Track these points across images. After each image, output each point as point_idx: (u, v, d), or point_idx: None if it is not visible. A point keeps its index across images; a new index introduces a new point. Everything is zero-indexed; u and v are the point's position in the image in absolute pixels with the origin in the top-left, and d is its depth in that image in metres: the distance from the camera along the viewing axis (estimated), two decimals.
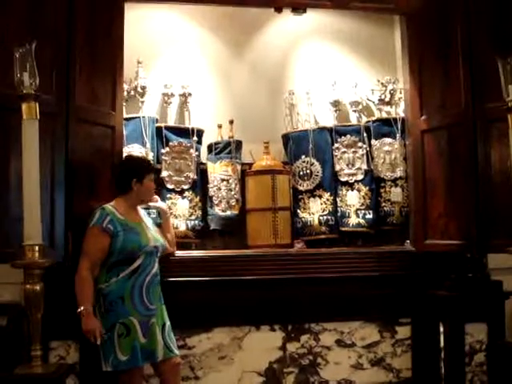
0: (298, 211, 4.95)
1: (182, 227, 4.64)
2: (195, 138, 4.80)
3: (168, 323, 3.63)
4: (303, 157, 4.98)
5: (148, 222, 3.77)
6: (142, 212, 3.80)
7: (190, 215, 4.72)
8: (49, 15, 3.66)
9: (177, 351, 3.64)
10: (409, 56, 4.64)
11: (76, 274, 3.40)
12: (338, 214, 4.94)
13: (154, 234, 3.69)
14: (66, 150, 3.67)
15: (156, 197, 4.06)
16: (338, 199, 4.98)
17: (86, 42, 3.86)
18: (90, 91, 3.91)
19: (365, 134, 5.04)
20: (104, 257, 3.45)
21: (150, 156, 4.61)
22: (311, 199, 4.95)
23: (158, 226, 3.96)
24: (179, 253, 4.16)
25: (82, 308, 3.33)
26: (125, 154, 4.40)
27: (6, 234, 3.38)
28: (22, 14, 3.58)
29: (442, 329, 4.27)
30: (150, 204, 4.05)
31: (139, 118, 4.64)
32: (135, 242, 3.51)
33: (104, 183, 3.88)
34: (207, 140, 4.95)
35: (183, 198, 4.72)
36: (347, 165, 4.99)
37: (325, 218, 4.89)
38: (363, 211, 4.91)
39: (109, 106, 4.05)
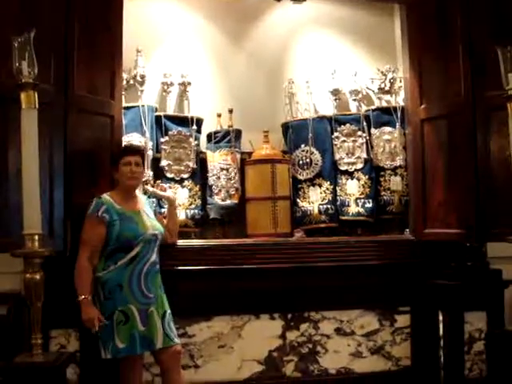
0: (298, 200, 4.96)
1: (182, 216, 4.64)
2: (194, 127, 4.79)
3: (168, 311, 3.62)
4: (303, 146, 4.98)
5: (149, 210, 3.76)
6: (143, 199, 3.80)
7: (190, 204, 4.72)
8: (47, 4, 3.65)
9: (177, 340, 3.62)
10: (409, 45, 4.63)
11: (76, 263, 3.43)
12: (338, 203, 4.95)
13: (153, 222, 3.68)
14: (65, 139, 3.67)
15: (163, 185, 4.16)
16: (337, 188, 4.98)
17: (85, 31, 3.84)
18: (89, 80, 3.90)
19: (364, 123, 5.03)
20: (102, 245, 3.47)
21: (150, 145, 4.60)
22: (311, 188, 4.96)
23: (160, 214, 3.99)
24: (179, 242, 4.16)
25: (81, 297, 3.36)
26: (124, 143, 4.41)
27: (6, 224, 3.38)
28: (20, 2, 3.57)
29: (441, 317, 4.29)
30: (159, 193, 4.11)
31: (138, 107, 4.63)
32: (132, 230, 3.51)
33: (103, 172, 3.87)
34: (206, 129, 4.94)
35: (183, 187, 4.72)
36: (347, 154, 4.99)
37: (324, 206, 4.90)
38: (363, 200, 4.91)
39: (108, 95, 4.04)
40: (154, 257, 3.61)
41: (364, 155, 4.98)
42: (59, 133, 3.64)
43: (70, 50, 3.74)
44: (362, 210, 4.91)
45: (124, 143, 4.26)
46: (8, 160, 3.44)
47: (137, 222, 3.57)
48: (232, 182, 4.81)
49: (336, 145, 5.00)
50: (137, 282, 3.49)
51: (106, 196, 3.56)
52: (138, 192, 3.85)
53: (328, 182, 4.96)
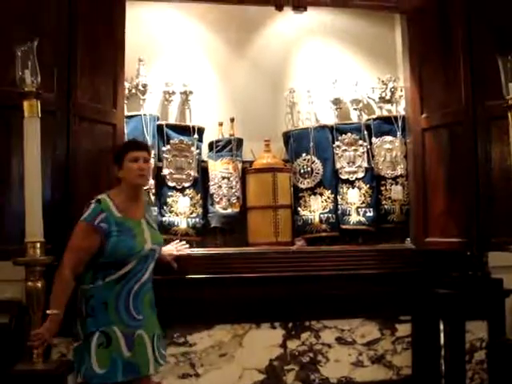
0: (299, 209, 4.96)
1: (183, 225, 4.65)
2: (196, 136, 4.81)
3: (159, 332, 3.37)
4: (304, 155, 4.98)
5: (150, 217, 3.51)
6: (146, 203, 3.54)
7: (191, 213, 4.72)
8: (50, 13, 3.68)
9: (164, 361, 3.42)
10: (409, 54, 4.65)
11: (57, 271, 3.12)
12: (339, 212, 4.95)
13: (153, 233, 3.41)
14: (68, 148, 3.67)
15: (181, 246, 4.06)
16: (338, 197, 4.98)
17: (87, 41, 3.87)
18: (91, 89, 3.92)
19: (365, 132, 5.04)
20: (90, 257, 3.16)
21: (151, 154, 4.61)
22: (312, 197, 4.96)
23: None
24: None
25: (52, 311, 3.05)
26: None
27: (8, 232, 3.39)
28: (23, 11, 3.59)
29: (442, 326, 4.28)
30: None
31: (140, 115, 4.65)
32: (129, 246, 3.20)
33: (105, 181, 3.86)
34: (208, 138, 4.95)
35: (184, 195, 4.72)
36: (348, 163, 4.99)
37: (325, 215, 4.90)
38: (364, 209, 4.91)
39: (110, 103, 4.07)
40: (147, 275, 3.32)
41: (365, 164, 4.99)
42: (61, 141, 3.65)
43: (73, 59, 3.76)
44: (362, 218, 4.91)
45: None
46: (10, 168, 3.45)
47: (135, 234, 3.26)
48: (233, 190, 4.82)
49: (337, 154, 5.01)
50: (124, 302, 3.20)
51: (105, 198, 3.25)
52: (143, 193, 3.57)
53: (329, 191, 4.96)
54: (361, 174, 4.97)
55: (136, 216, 3.35)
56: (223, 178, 4.81)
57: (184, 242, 4.20)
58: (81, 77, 3.81)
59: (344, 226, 4.94)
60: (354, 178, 4.97)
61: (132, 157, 3.31)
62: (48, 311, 3.05)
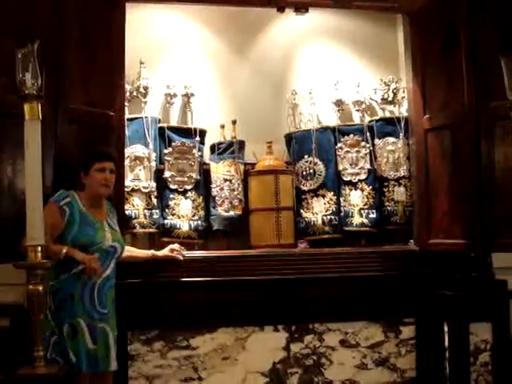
0: (302, 211, 4.94)
1: (185, 227, 4.64)
2: (198, 139, 4.80)
3: (116, 334, 3.42)
4: (306, 156, 4.97)
5: (113, 221, 3.55)
6: (108, 209, 3.56)
7: (193, 215, 4.71)
8: (39, 15, 3.62)
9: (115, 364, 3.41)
10: (412, 55, 4.64)
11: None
12: (342, 214, 4.93)
13: (114, 234, 3.47)
14: (55, 152, 3.60)
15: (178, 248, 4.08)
16: (341, 199, 4.97)
17: (83, 45, 3.84)
18: (87, 93, 3.87)
19: (368, 134, 5.03)
20: (57, 235, 3.21)
21: (153, 156, 4.61)
22: (314, 199, 4.95)
23: None
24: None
25: (64, 250, 3.16)
26: (127, 155, 4.41)
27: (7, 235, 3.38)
28: (14, 15, 3.55)
29: (446, 328, 4.26)
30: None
31: (142, 118, 4.65)
32: (89, 236, 3.29)
33: None
34: (210, 140, 4.95)
35: (186, 198, 4.72)
36: (350, 164, 4.98)
37: (328, 217, 4.88)
38: (367, 211, 4.90)
39: (108, 107, 4.01)
40: (109, 271, 3.38)
41: (368, 166, 4.98)
42: (49, 146, 3.51)
43: (64, 63, 3.71)
44: (365, 220, 4.90)
45: (127, 154, 4.25)
46: (2, 172, 3.40)
47: (97, 229, 3.36)
48: (235, 193, 4.81)
49: (339, 155, 5.00)
50: (90, 295, 3.28)
51: (73, 193, 3.36)
52: (105, 201, 3.56)
53: (332, 193, 4.95)
54: (363, 176, 4.96)
55: (98, 217, 3.43)
56: (225, 180, 4.80)
57: (182, 248, 4.17)
58: (73, 80, 3.77)
59: (347, 228, 4.92)
60: (356, 180, 4.96)
61: (98, 167, 3.39)
62: (62, 252, 3.15)
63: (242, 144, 4.94)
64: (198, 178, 4.77)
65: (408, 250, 4.64)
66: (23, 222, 2.86)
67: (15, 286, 3.55)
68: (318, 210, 4.92)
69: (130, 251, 3.90)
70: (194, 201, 4.74)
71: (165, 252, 4.06)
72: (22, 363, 3.16)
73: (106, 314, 3.33)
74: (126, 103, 4.46)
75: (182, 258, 4.10)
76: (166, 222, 4.64)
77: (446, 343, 4.26)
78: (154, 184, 4.61)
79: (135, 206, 4.52)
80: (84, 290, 3.26)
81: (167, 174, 4.70)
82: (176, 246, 4.14)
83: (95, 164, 3.39)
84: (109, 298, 3.38)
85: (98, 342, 3.27)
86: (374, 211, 4.91)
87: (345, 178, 4.98)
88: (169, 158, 4.72)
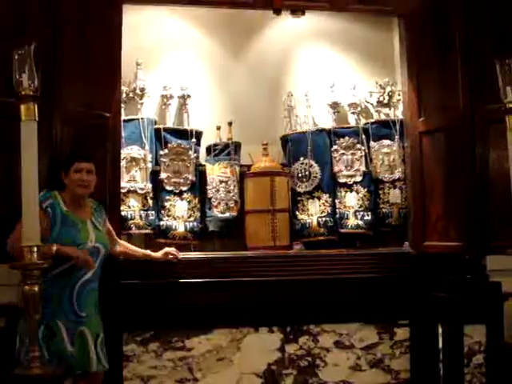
0: (297, 213, 4.96)
1: (181, 229, 4.65)
2: (194, 140, 4.81)
3: (102, 335, 3.41)
4: (302, 158, 4.99)
5: (98, 221, 3.52)
6: (93, 208, 3.55)
7: (189, 217, 4.73)
8: (35, 16, 3.63)
9: (107, 365, 3.41)
10: (407, 58, 4.65)
11: (10, 238, 3.18)
12: (337, 216, 4.95)
13: (98, 234, 3.45)
14: (51, 153, 3.61)
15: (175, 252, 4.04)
16: (336, 201, 4.98)
17: (78, 44, 3.84)
18: (82, 94, 3.87)
19: (363, 136, 5.05)
20: (43, 236, 3.04)
21: (149, 157, 4.62)
22: (310, 201, 4.96)
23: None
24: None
25: (54, 247, 3.16)
26: (123, 156, 4.41)
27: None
28: (8, 15, 3.56)
29: (440, 330, 4.27)
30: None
31: (138, 119, 4.65)
32: (71, 236, 3.29)
33: (99, 185, 3.77)
34: (206, 142, 4.96)
35: (182, 199, 4.73)
36: (346, 166, 5.00)
37: (323, 219, 4.90)
38: (362, 213, 4.92)
39: (104, 108, 4.01)
40: (91, 274, 3.34)
41: (363, 168, 5.00)
42: (44, 147, 3.47)
43: (59, 64, 3.71)
44: (360, 222, 4.91)
45: (123, 155, 4.26)
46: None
47: (79, 229, 3.35)
48: (231, 194, 4.82)
49: (335, 157, 5.01)
50: (69, 297, 3.27)
51: (56, 193, 3.37)
52: (90, 200, 3.56)
53: (327, 195, 4.96)
54: (359, 178, 4.98)
55: (81, 217, 3.43)
56: (221, 181, 4.81)
57: (177, 251, 4.13)
58: (69, 81, 3.76)
59: (342, 230, 4.95)
60: (351, 182, 4.98)
61: (76, 168, 3.41)
62: (53, 249, 3.14)
63: (237, 146, 4.95)
64: (194, 179, 4.78)
65: (403, 252, 4.65)
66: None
67: (11, 286, 3.55)
68: (314, 212, 4.94)
69: (126, 246, 3.90)
70: (189, 202, 4.75)
71: (160, 255, 4.02)
72: (17, 364, 3.18)
73: (85, 317, 3.31)
74: (123, 104, 4.48)
75: (176, 261, 4.08)
76: (161, 223, 4.65)
77: (440, 345, 4.26)
78: (149, 185, 4.62)
79: (131, 207, 4.54)
80: (63, 293, 3.26)
81: (163, 175, 4.71)
82: (172, 249, 4.10)
83: (73, 165, 3.41)
84: (89, 301, 3.36)
85: (75, 344, 3.26)
86: (369, 213, 4.93)
87: (340, 180, 5.00)
88: (165, 160, 4.73)
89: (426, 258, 4.45)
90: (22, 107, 3.08)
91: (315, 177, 4.96)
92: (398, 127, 4.97)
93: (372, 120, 5.17)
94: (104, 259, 3.47)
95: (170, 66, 5.05)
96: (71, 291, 3.27)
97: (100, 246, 3.42)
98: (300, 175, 4.98)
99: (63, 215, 3.32)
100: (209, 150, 4.93)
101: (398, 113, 5.11)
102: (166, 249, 4.08)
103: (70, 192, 3.42)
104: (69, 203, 3.39)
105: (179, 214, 4.69)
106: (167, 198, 4.70)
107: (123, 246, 3.86)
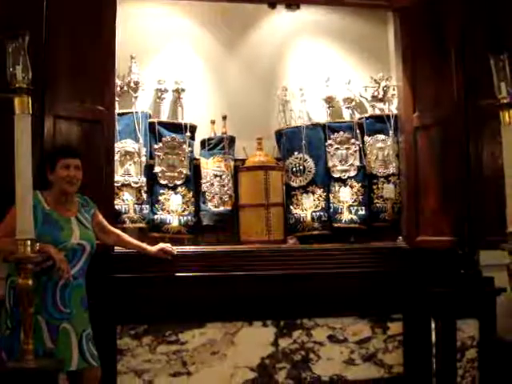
0: (291, 207, 4.96)
1: (175, 223, 4.65)
2: (188, 134, 4.81)
3: (89, 331, 3.34)
4: (296, 153, 4.99)
5: (85, 218, 3.45)
6: (81, 204, 3.48)
7: (183, 211, 4.72)
8: (27, 9, 3.61)
9: (96, 363, 3.33)
10: (402, 53, 4.65)
11: None
12: (331, 210, 4.96)
13: (84, 231, 3.38)
14: (41, 147, 3.58)
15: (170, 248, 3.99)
16: (330, 195, 4.99)
17: (71, 37, 3.82)
18: (75, 87, 3.85)
19: (358, 131, 5.06)
20: None
21: (143, 151, 4.61)
22: (304, 195, 4.97)
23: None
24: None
25: (36, 245, 2.93)
26: (117, 150, 4.40)
27: None
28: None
29: (433, 325, 4.29)
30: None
31: (132, 113, 4.64)
32: (53, 235, 3.21)
33: (93, 179, 3.73)
34: (200, 136, 4.95)
35: (176, 193, 4.73)
36: (340, 161, 5.00)
37: (317, 214, 4.91)
38: (356, 207, 4.93)
39: (97, 102, 3.97)
40: (76, 270, 3.29)
41: (357, 163, 5.00)
42: (35, 141, 3.51)
43: (52, 57, 3.69)
44: (354, 217, 4.92)
45: (117, 149, 4.24)
46: None
47: (62, 227, 3.28)
48: (225, 188, 4.82)
49: (329, 152, 5.02)
50: (52, 294, 3.21)
51: (38, 193, 3.27)
52: (77, 196, 3.48)
53: (321, 190, 4.97)
54: (353, 173, 4.99)
55: (65, 214, 3.36)
56: (215, 175, 4.81)
57: (173, 248, 4.09)
58: (62, 75, 3.75)
59: (336, 225, 4.95)
60: (346, 177, 4.98)
61: (63, 163, 3.33)
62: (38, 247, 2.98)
63: (232, 140, 4.95)
64: (188, 173, 4.78)
65: (396, 246, 4.67)
66: None
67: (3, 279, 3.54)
68: (308, 207, 4.94)
69: (121, 236, 3.82)
70: (183, 196, 4.75)
71: (155, 250, 3.96)
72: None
73: (68, 314, 3.25)
74: (117, 98, 4.46)
75: (171, 258, 4.05)
76: (155, 217, 4.65)
77: (433, 339, 4.28)
78: (144, 179, 4.61)
79: (125, 201, 4.53)
80: (46, 288, 3.20)
81: (157, 169, 4.71)
82: (167, 245, 4.05)
83: (60, 160, 3.33)
84: (74, 298, 3.29)
85: (58, 341, 3.20)
86: (363, 208, 4.94)
87: (334, 175, 5.00)
88: (159, 153, 4.73)
89: (419, 253, 4.46)
90: (16, 100, 3.07)
91: (309, 171, 4.96)
92: (392, 122, 4.97)
93: (367, 115, 5.17)
94: (90, 256, 3.40)
95: (164, 59, 5.04)
96: (54, 288, 3.21)
97: (85, 242, 3.35)
98: (294, 170, 4.98)
99: (44, 214, 3.25)
100: (203, 144, 4.92)
101: (392, 108, 5.12)
102: (162, 245, 4.03)
103: (55, 189, 3.35)
104: (52, 201, 3.32)
105: (173, 207, 4.68)
106: (161, 191, 4.70)
107: (116, 234, 3.79)
